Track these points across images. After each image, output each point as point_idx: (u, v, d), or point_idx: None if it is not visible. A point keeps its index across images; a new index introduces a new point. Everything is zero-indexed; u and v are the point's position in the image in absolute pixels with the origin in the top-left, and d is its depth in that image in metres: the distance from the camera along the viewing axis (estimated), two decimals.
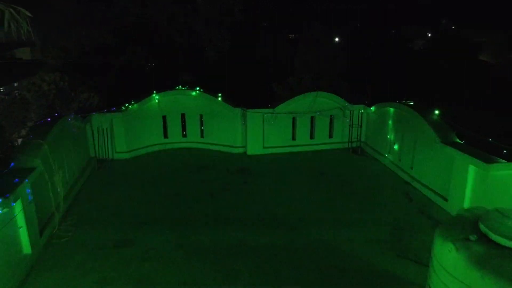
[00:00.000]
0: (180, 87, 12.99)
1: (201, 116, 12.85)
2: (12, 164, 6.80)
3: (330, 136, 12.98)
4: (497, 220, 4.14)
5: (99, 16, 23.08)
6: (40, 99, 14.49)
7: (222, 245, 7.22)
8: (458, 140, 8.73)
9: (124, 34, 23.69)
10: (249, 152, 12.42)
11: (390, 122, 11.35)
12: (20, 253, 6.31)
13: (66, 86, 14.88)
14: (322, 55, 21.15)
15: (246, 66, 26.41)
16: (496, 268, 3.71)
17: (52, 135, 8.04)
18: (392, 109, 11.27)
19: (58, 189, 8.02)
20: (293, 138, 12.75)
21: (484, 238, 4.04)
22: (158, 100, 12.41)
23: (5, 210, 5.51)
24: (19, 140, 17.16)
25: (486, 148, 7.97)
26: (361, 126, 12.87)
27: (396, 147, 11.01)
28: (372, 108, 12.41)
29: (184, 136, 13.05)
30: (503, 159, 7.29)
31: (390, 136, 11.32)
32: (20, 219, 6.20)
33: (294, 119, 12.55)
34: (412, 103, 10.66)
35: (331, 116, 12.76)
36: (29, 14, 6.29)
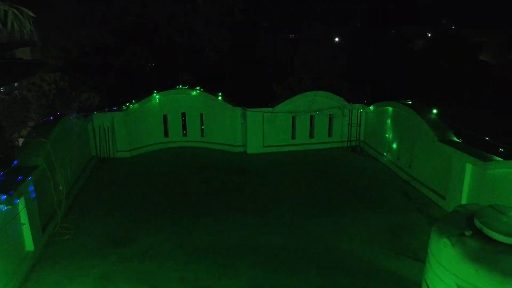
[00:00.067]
0: (180, 86, 13.09)
1: (201, 115, 12.94)
2: (15, 162, 6.89)
3: (330, 135, 13.07)
4: (491, 216, 4.23)
5: (99, 16, 23.16)
6: (41, 99, 14.57)
7: (222, 243, 7.30)
8: (456, 139, 8.82)
9: (124, 34, 23.77)
10: (249, 151, 12.50)
11: (388, 121, 11.43)
12: (23, 250, 6.39)
13: (67, 86, 14.96)
14: (322, 55, 21.25)
15: (246, 66, 26.50)
16: (490, 263, 3.80)
17: (54, 134, 8.13)
18: (390, 109, 11.36)
19: (60, 187, 8.11)
20: (293, 137, 12.84)
21: (479, 234, 4.12)
22: (159, 100, 12.49)
23: (8, 207, 5.59)
24: (20, 140, 17.26)
25: (484, 147, 8.05)
26: (360, 125, 12.96)
27: (394, 146, 11.09)
28: (371, 108, 12.50)
29: (185, 135, 13.14)
30: (500, 157, 7.37)
31: (389, 135, 11.41)
32: (23, 216, 6.29)
33: (293, 118, 12.64)
34: (410, 103, 10.75)
35: (330, 115, 12.85)
36: (32, 14, 6.39)
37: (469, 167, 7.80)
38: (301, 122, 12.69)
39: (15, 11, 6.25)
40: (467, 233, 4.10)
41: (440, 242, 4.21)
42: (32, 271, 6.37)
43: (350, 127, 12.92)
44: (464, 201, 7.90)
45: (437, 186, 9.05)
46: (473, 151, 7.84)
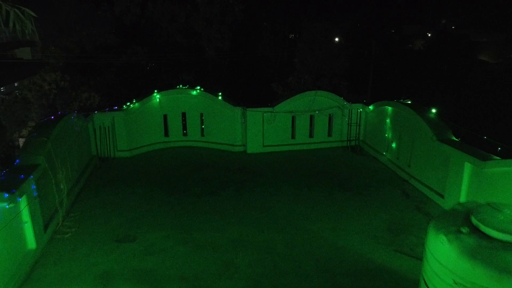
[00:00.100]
0: (181, 86, 13.14)
1: (201, 114, 13.00)
2: (17, 161, 6.94)
3: (329, 134, 13.12)
4: (488, 214, 4.28)
5: (100, 16, 23.20)
6: (41, 98, 14.62)
7: (222, 240, 7.37)
8: (455, 138, 8.87)
9: (125, 34, 23.84)
10: (249, 151, 12.56)
11: (388, 120, 11.49)
12: (25, 248, 6.46)
13: (67, 86, 15.02)
14: (322, 55, 21.28)
15: (246, 66, 26.53)
16: (486, 259, 3.85)
17: (55, 133, 8.18)
18: (390, 108, 11.41)
19: (61, 186, 8.16)
20: (293, 137, 12.89)
21: (475, 231, 4.17)
22: (159, 99, 12.55)
23: (11, 205, 5.65)
24: (20, 140, 17.31)
25: (483, 146, 8.10)
26: (359, 125, 13.01)
27: (394, 145, 11.14)
28: (371, 107, 12.55)
29: (185, 134, 13.19)
30: (498, 156, 7.43)
31: (388, 135, 11.46)
32: (25, 214, 6.35)
33: (293, 118, 12.69)
34: (409, 102, 10.80)
35: (330, 115, 12.90)
36: (33, 14, 6.44)
37: (467, 166, 7.85)
38: (301, 122, 12.74)
39: (17, 11, 6.30)
40: (463, 230, 4.15)
41: (437, 238, 4.26)
42: (34, 269, 6.43)
43: (349, 127, 12.98)
44: (462, 199, 7.95)
45: (435, 185, 9.11)
46: (471, 150, 7.89)
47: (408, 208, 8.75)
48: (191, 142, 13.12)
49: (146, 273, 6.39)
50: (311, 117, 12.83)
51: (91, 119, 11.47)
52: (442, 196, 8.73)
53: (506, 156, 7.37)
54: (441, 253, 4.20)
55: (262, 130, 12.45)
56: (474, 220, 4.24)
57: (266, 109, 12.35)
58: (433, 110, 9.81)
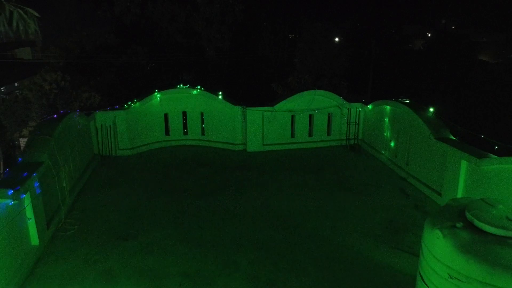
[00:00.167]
0: (181, 85, 13.24)
1: (202, 114, 13.09)
2: (20, 159, 7.04)
3: (328, 133, 13.22)
4: (482, 209, 4.38)
5: (100, 16, 23.29)
6: (42, 98, 14.74)
7: (222, 238, 7.45)
8: (452, 137, 8.97)
9: (125, 34, 23.92)
10: (248, 149, 12.66)
11: (386, 119, 11.59)
12: (29, 245, 6.55)
13: (67, 86, 15.12)
14: (322, 55, 21.39)
15: (246, 66, 26.63)
16: (480, 253, 3.94)
17: (58, 131, 8.27)
18: (388, 107, 11.50)
19: (64, 184, 8.26)
20: (292, 136, 12.99)
21: (470, 226, 4.27)
22: (160, 99, 12.65)
23: (15, 202, 5.74)
24: (21, 140, 17.41)
25: (482, 145, 8.20)
26: (358, 124, 13.11)
27: (392, 144, 11.24)
28: (369, 106, 12.65)
29: (185, 133, 13.29)
30: (494, 154, 7.52)
31: (387, 134, 11.56)
32: (29, 211, 6.44)
33: (293, 117, 12.79)
34: (408, 101, 10.89)
35: (329, 114, 13.00)
36: (36, 14, 6.55)
37: (464, 164, 7.95)
38: (300, 121, 12.84)
39: (20, 11, 6.41)
40: (458, 225, 4.24)
41: (432, 233, 4.35)
42: (36, 266, 6.52)
43: (348, 126, 13.08)
44: (459, 196, 8.04)
45: (433, 183, 9.21)
46: (468, 148, 7.99)
47: (406, 206, 8.84)
48: (192, 141, 13.22)
49: (147, 270, 6.47)
50: (311, 116, 12.93)
51: (93, 118, 11.57)
52: (440, 194, 8.83)
53: (504, 155, 7.47)
54: (437, 248, 4.29)
55: (262, 129, 12.55)
56: (468, 215, 4.34)
57: (266, 108, 12.45)
58: (431, 109, 9.91)
